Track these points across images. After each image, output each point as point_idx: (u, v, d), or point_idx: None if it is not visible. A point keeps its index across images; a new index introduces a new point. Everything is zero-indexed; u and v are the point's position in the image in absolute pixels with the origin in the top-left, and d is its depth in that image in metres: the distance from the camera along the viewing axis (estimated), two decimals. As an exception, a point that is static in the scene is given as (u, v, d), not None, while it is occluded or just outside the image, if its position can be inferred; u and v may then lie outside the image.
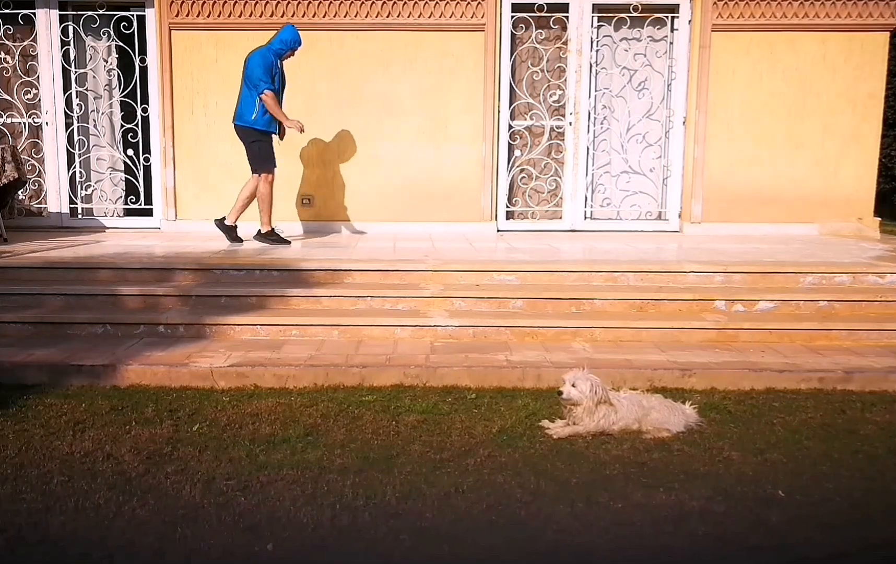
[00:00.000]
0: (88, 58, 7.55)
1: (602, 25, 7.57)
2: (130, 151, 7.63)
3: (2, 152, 6.44)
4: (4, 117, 7.52)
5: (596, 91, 7.68)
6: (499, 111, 7.53)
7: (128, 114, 7.60)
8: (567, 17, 7.49)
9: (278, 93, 6.28)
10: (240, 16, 7.19)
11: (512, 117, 7.63)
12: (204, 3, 7.17)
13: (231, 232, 6.49)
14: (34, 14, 7.35)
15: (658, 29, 7.60)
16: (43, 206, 7.65)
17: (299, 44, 6.33)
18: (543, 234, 7.51)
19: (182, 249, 6.14)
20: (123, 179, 7.75)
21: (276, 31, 6.36)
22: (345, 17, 7.23)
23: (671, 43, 7.61)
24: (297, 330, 4.77)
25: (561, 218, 7.79)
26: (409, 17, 7.24)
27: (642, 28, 7.58)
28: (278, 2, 7.16)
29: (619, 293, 5.12)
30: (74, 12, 7.42)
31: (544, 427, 3.47)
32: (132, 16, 7.40)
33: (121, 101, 7.62)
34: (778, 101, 7.48)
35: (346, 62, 7.37)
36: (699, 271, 5.34)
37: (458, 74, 7.40)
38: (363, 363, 4.23)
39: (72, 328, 4.75)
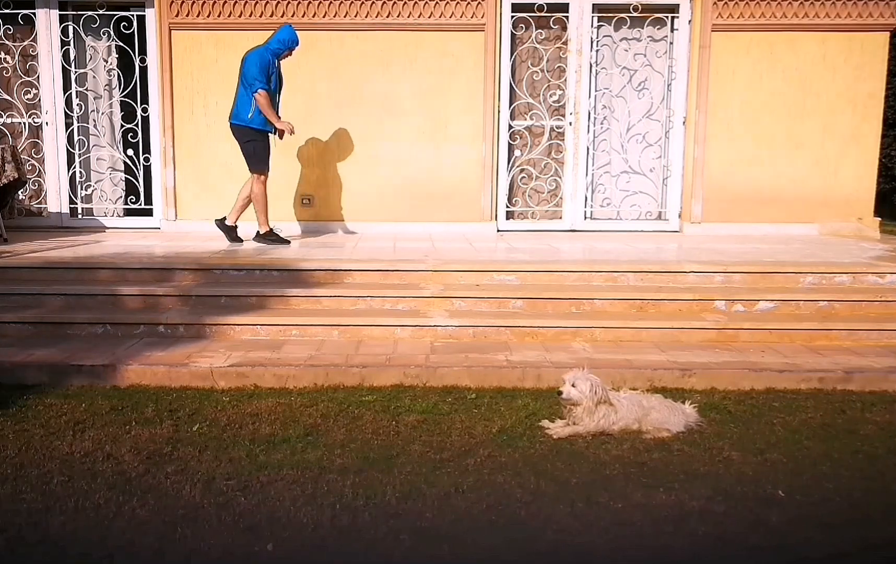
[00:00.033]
0: (88, 58, 7.55)
1: (602, 25, 7.57)
2: (130, 151, 7.63)
3: (2, 152, 6.44)
4: (4, 117, 7.52)
5: (596, 91, 7.68)
6: (499, 111, 7.53)
7: (128, 114, 7.60)
8: (567, 17, 7.49)
9: (274, 93, 6.26)
10: (240, 16, 7.19)
11: (512, 117, 7.63)
12: (204, 3, 7.17)
13: (231, 232, 6.49)
14: (34, 14, 7.35)
15: (658, 29, 7.60)
16: (43, 206, 7.65)
17: (297, 44, 6.33)
18: (543, 234, 7.51)
19: (182, 249, 6.14)
20: (123, 179, 7.75)
21: (273, 31, 6.36)
22: (345, 17, 7.23)
23: (671, 43, 7.61)
24: (297, 330, 4.77)
25: (561, 218, 7.79)
26: (409, 17, 7.24)
27: (642, 28, 7.58)
28: (278, 2, 7.16)
29: (619, 293, 5.12)
30: (74, 12, 7.42)
31: (544, 427, 3.46)
32: (132, 16, 7.40)
33: (121, 101, 7.62)
34: (778, 101, 7.48)
35: (346, 62, 7.37)
36: (699, 271, 5.34)
37: (458, 73, 7.40)
38: (363, 363, 4.23)
39: (72, 328, 4.75)
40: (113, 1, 7.38)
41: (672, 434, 3.39)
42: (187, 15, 7.20)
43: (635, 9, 7.44)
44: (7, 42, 7.43)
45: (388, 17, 7.24)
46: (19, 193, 7.30)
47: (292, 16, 7.13)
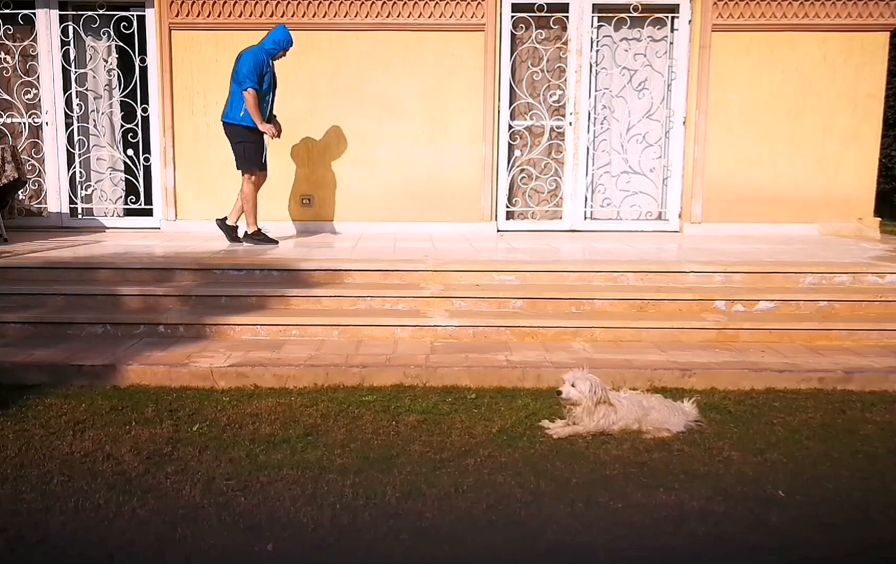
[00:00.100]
0: (88, 58, 7.55)
1: (602, 25, 7.57)
2: (130, 151, 7.63)
3: (2, 152, 6.44)
4: (4, 117, 7.52)
5: (596, 91, 7.68)
6: (499, 111, 7.53)
7: (128, 114, 7.60)
8: (567, 17, 7.49)
9: (266, 93, 6.25)
10: (240, 16, 7.19)
11: (512, 117, 7.63)
12: (204, 3, 7.18)
13: (232, 232, 6.49)
14: (34, 14, 7.35)
15: (658, 29, 7.60)
16: (43, 206, 7.65)
17: (291, 44, 6.32)
18: (543, 234, 7.51)
19: (182, 249, 6.14)
20: (123, 179, 7.76)
21: (267, 31, 6.35)
22: (345, 17, 7.23)
23: (671, 43, 7.62)
24: (297, 330, 4.77)
25: (561, 218, 7.79)
26: (409, 17, 7.24)
27: (642, 28, 7.58)
28: (278, 2, 7.16)
29: (619, 293, 5.12)
30: (74, 12, 7.42)
31: (544, 427, 3.46)
32: (132, 16, 7.40)
33: (121, 101, 7.63)
34: (778, 101, 7.48)
35: (346, 62, 7.37)
36: (699, 271, 5.34)
37: (458, 73, 7.41)
38: (363, 363, 4.23)
39: (72, 328, 4.75)
40: (113, 1, 7.38)
41: (672, 434, 3.39)
42: (187, 15, 7.20)
43: (635, 9, 7.44)
44: (7, 42, 7.43)
45: (388, 17, 7.24)
46: (19, 193, 7.30)
47: (292, 16, 7.13)
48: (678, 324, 4.82)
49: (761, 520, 2.68)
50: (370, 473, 2.99)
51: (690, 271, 5.34)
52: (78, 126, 7.55)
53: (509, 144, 7.68)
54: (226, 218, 6.52)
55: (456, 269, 5.31)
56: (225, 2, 7.17)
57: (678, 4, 7.47)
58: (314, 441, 3.31)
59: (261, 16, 7.17)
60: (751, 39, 7.39)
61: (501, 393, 3.96)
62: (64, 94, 7.47)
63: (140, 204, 7.68)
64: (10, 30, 7.40)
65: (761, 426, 3.53)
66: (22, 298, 4.99)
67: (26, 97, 7.50)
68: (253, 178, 6.35)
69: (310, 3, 7.18)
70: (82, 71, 7.52)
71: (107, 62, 7.60)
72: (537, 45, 7.60)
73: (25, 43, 7.44)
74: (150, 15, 7.31)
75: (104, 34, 7.52)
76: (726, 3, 7.28)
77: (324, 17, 7.22)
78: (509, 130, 7.63)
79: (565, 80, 7.61)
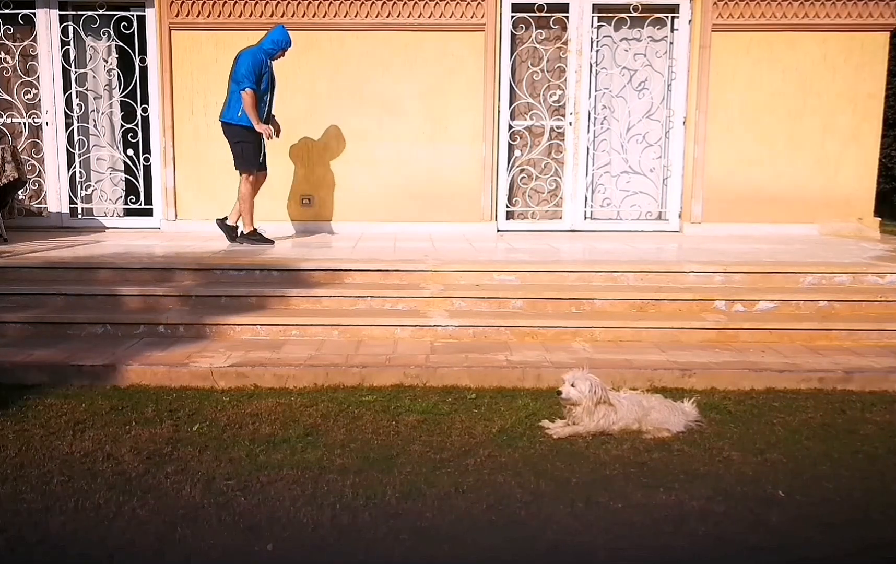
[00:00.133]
0: (88, 58, 7.55)
1: (602, 25, 7.57)
2: (130, 151, 7.63)
3: (2, 152, 6.44)
4: (4, 117, 7.52)
5: (596, 91, 7.68)
6: (499, 111, 7.53)
7: (128, 114, 7.60)
8: (567, 17, 7.49)
9: (264, 93, 6.24)
10: (240, 16, 7.19)
11: (512, 117, 7.63)
12: (204, 3, 7.17)
13: (232, 232, 6.49)
14: (34, 14, 7.35)
15: (658, 29, 7.60)
16: (43, 206, 7.65)
17: (289, 44, 6.32)
18: (543, 234, 7.51)
19: (182, 249, 6.14)
20: (123, 179, 7.76)
21: (266, 32, 6.35)
22: (345, 17, 7.23)
23: (671, 43, 7.61)
24: (297, 330, 4.77)
25: (561, 218, 7.79)
26: (409, 17, 7.24)
27: (642, 28, 7.58)
28: (278, 2, 7.16)
29: (619, 293, 5.12)
30: (74, 12, 7.42)
31: (544, 427, 3.46)
32: (132, 16, 7.40)
33: (121, 101, 7.63)
34: (778, 101, 7.48)
35: (346, 62, 7.37)
36: (699, 271, 5.34)
37: (458, 73, 7.40)
38: (363, 363, 4.23)
39: (72, 328, 4.75)
40: (113, 1, 7.38)
41: (672, 434, 3.39)
42: (187, 15, 7.20)
43: (635, 9, 7.44)
44: (7, 42, 7.43)
45: (388, 17, 7.24)
46: (19, 193, 7.30)
47: (292, 16, 7.13)
48: (678, 324, 4.82)
49: (761, 520, 2.68)
50: (370, 473, 2.99)
51: (690, 271, 5.34)
52: (78, 126, 7.55)
53: (509, 144, 7.68)
54: (226, 218, 6.52)
55: (456, 269, 5.31)
56: (225, 2, 7.17)
57: (678, 4, 7.47)
58: (314, 441, 3.31)
59: (261, 16, 7.17)
60: (751, 39, 7.39)
61: (501, 393, 3.96)
62: (64, 94, 7.47)
63: (140, 204, 7.68)
64: (10, 30, 7.40)
65: (761, 426, 3.53)
66: (22, 298, 4.99)
67: (26, 97, 7.50)
68: (251, 178, 6.34)
69: (310, 3, 7.18)
70: (82, 71, 7.52)
71: (107, 62, 7.60)
72: (537, 45, 7.60)
73: (25, 43, 7.44)
74: (150, 15, 7.31)
75: (104, 34, 7.52)
76: (726, 3, 7.28)
77: (324, 17, 7.22)
78: (509, 130, 7.63)
79: (565, 80, 7.61)
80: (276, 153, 7.20)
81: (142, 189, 7.66)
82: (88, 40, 7.52)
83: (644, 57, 7.64)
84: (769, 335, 4.78)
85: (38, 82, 7.48)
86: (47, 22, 7.36)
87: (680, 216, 7.76)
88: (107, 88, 7.64)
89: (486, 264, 5.42)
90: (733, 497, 2.83)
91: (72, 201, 7.65)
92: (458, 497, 2.81)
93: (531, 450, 3.25)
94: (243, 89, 6.07)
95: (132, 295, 5.04)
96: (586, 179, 7.73)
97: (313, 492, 2.83)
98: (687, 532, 2.59)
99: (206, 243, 6.38)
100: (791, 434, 3.44)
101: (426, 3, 7.23)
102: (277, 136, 6.49)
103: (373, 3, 7.20)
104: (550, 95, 7.65)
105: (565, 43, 7.55)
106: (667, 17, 7.54)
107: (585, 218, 7.77)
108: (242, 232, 6.46)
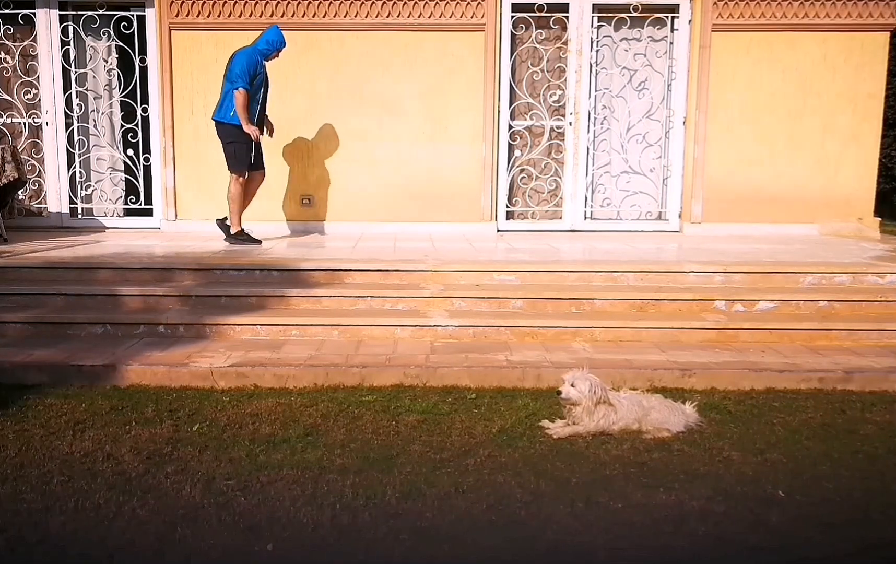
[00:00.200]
0: (88, 58, 7.56)
1: (602, 25, 7.58)
2: (130, 151, 7.63)
3: (2, 152, 6.44)
4: (4, 117, 7.52)
5: (596, 91, 7.69)
6: (499, 111, 7.53)
7: (128, 114, 7.60)
8: (567, 17, 7.49)
9: (257, 93, 6.23)
10: (240, 16, 7.19)
11: (512, 117, 7.63)
12: (204, 3, 7.18)
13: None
14: (34, 14, 7.35)
15: (658, 29, 7.60)
16: (43, 206, 7.65)
17: (284, 45, 6.32)
18: (543, 234, 7.51)
19: (182, 249, 6.14)
20: (123, 179, 7.76)
21: (261, 32, 6.35)
22: (345, 17, 7.23)
23: (671, 43, 7.62)
24: (297, 330, 4.77)
25: (561, 218, 7.79)
26: (409, 17, 7.24)
27: (642, 28, 7.58)
28: (278, 2, 7.16)
29: (619, 293, 5.12)
30: (74, 12, 7.42)
31: (544, 427, 3.46)
32: (132, 16, 7.40)
33: (121, 101, 7.63)
34: (778, 101, 7.48)
35: (346, 62, 7.37)
36: (699, 271, 5.34)
37: (458, 73, 7.41)
38: (363, 363, 4.23)
39: (72, 328, 4.75)
40: (113, 1, 7.38)
41: (672, 434, 3.39)
42: (187, 15, 7.20)
43: (635, 9, 7.44)
44: (7, 42, 7.43)
45: (388, 17, 7.24)
46: (19, 193, 7.30)
47: (292, 16, 7.13)
48: (678, 324, 4.82)
49: (761, 520, 2.68)
50: (370, 473, 2.99)
51: (690, 271, 5.34)
52: (78, 126, 7.55)
53: (509, 144, 7.68)
54: (226, 218, 6.52)
55: (456, 269, 5.31)
56: (225, 2, 7.17)
57: (678, 4, 7.47)
58: (314, 441, 3.31)
59: (261, 16, 7.17)
60: (751, 39, 7.39)
61: (501, 393, 3.96)
62: (64, 94, 7.47)
63: (140, 204, 7.68)
64: (10, 30, 7.40)
65: (761, 426, 3.53)
66: (22, 298, 4.99)
67: (26, 97, 7.50)
68: (241, 179, 6.32)
69: (310, 3, 7.18)
70: (82, 71, 7.52)
71: (107, 62, 7.60)
72: (537, 45, 7.60)
73: (25, 43, 7.44)
74: (150, 15, 7.31)
75: (104, 34, 7.52)
76: (726, 3, 7.28)
77: (324, 17, 7.22)
78: (509, 130, 7.63)
79: (565, 80, 7.61)
80: (276, 153, 7.21)
81: (142, 189, 7.66)
82: (88, 40, 7.52)
83: (644, 57, 7.64)
84: (769, 335, 4.78)
85: (38, 82, 7.48)
86: (47, 22, 7.36)
87: (680, 216, 7.76)
88: (107, 88, 7.64)
89: (486, 264, 5.42)
90: (733, 497, 2.83)
91: (72, 201, 7.65)
92: (458, 497, 2.81)
93: (531, 450, 3.25)
94: (237, 89, 6.07)
95: (132, 295, 5.04)
96: (586, 179, 7.73)
97: (313, 492, 2.83)
98: (687, 532, 2.59)
99: (206, 243, 6.38)
100: (791, 434, 3.44)
101: (426, 3, 7.23)
102: (271, 135, 6.49)
103: (373, 3, 7.20)
104: (550, 95, 7.65)
105: (565, 43, 7.55)
106: (667, 17, 7.54)
107: (585, 218, 7.77)
108: (230, 231, 6.44)
